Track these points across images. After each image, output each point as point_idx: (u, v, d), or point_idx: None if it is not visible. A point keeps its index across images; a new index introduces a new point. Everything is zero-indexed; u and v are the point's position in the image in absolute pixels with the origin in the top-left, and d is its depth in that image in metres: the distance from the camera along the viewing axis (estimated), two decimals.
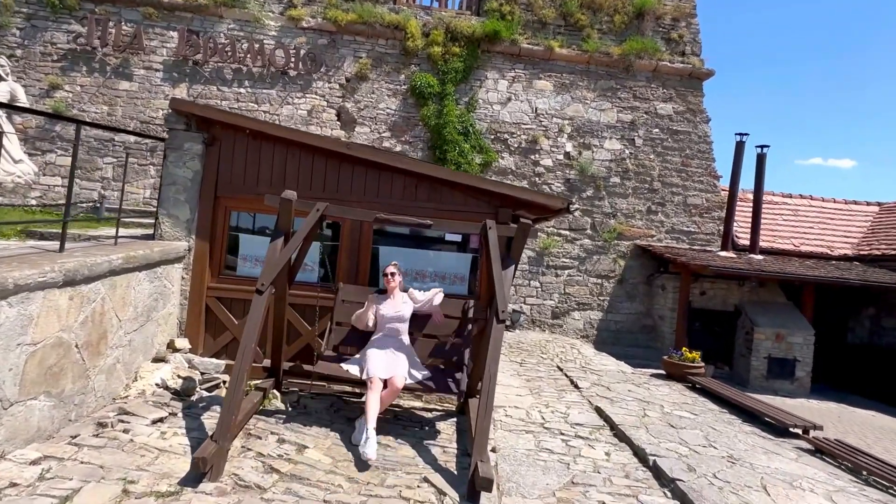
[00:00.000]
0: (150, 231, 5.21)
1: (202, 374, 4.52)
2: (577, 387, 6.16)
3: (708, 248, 10.87)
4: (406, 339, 4.29)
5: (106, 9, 10.78)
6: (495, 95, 11.19)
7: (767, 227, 11.21)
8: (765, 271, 9.31)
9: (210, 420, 3.76)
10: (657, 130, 11.33)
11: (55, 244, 4.26)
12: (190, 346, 4.85)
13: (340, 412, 4.37)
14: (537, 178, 10.92)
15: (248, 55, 10.72)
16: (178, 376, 4.32)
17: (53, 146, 10.56)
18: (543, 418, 4.83)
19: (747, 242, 10.86)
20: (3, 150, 8.19)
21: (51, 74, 10.57)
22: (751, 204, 10.93)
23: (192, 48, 10.66)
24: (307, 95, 10.93)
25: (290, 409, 4.36)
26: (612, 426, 4.71)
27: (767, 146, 10.65)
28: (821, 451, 4.77)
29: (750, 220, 10.78)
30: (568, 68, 11.38)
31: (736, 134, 10.74)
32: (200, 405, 4.08)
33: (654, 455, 3.93)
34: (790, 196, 12.64)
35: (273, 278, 3.59)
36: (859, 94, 47.93)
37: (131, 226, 7.01)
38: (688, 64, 11.53)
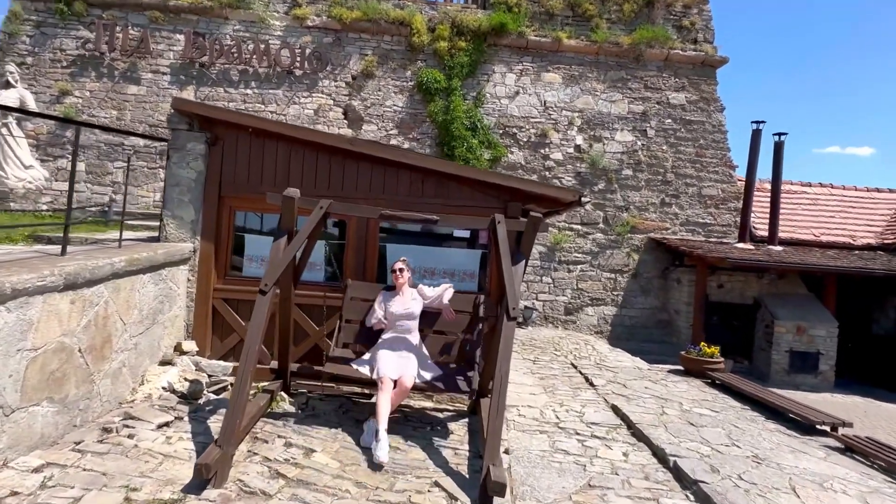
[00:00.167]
0: (158, 234, 5.17)
1: (209, 376, 4.47)
2: (592, 384, 6.00)
3: (724, 240, 10.59)
4: (416, 336, 4.19)
5: (113, 14, 10.82)
6: (503, 89, 11.02)
7: (786, 218, 10.90)
8: (785, 262, 9.03)
9: (217, 424, 3.69)
10: (670, 121, 11.07)
11: (60, 248, 4.23)
12: (197, 349, 4.80)
13: (349, 413, 4.28)
14: (547, 173, 10.74)
15: (254, 56, 10.69)
16: (185, 379, 4.27)
17: (65, 151, 10.64)
18: (558, 417, 4.69)
19: (765, 233, 10.56)
20: (14, 156, 8.27)
21: (60, 81, 10.65)
22: (768, 194, 10.64)
23: (199, 50, 10.67)
24: (313, 95, 10.87)
25: (298, 411, 4.28)
26: (630, 425, 4.56)
27: (785, 133, 10.36)
28: (851, 449, 4.56)
29: (768, 210, 10.49)
30: (577, 60, 11.17)
31: (752, 122, 10.47)
32: (207, 408, 4.01)
33: (674, 455, 3.77)
34: (809, 185, 12.28)
35: (276, 278, 3.50)
36: (878, 80, 46.70)
37: (140, 229, 7.00)
38: (700, 51, 11.24)
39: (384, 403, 3.56)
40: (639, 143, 10.96)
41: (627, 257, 10.67)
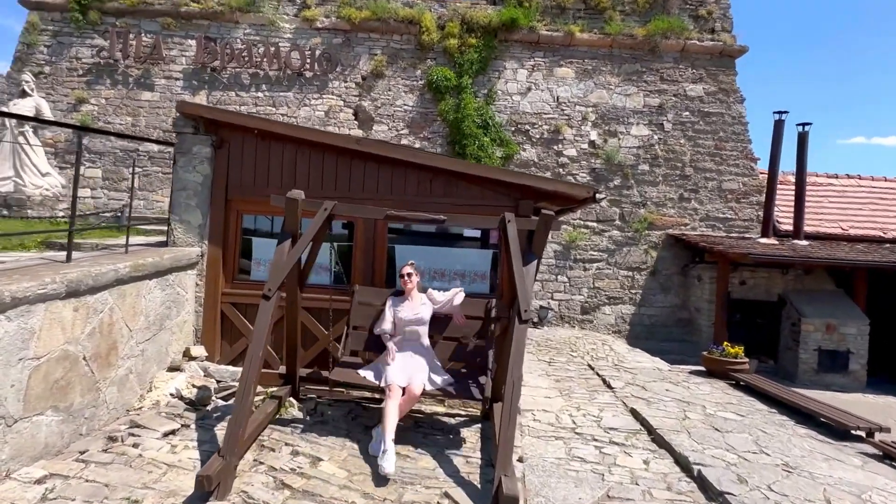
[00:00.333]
0: (166, 238, 5.14)
1: (218, 382, 4.41)
2: (610, 387, 5.81)
3: (747, 235, 10.25)
4: (426, 342, 4.07)
5: (126, 21, 10.95)
6: (515, 86, 10.84)
7: (812, 211, 10.49)
8: (811, 257, 8.67)
9: (223, 431, 3.61)
10: (687, 113, 10.75)
11: (73, 254, 4.22)
12: (206, 354, 4.75)
13: (358, 420, 4.18)
14: (561, 170, 10.52)
15: (265, 59, 10.71)
16: (193, 385, 4.22)
17: (83, 158, 10.78)
18: (574, 422, 4.52)
19: (790, 228, 10.18)
20: (31, 164, 8.39)
21: (77, 89, 10.82)
22: (793, 187, 10.25)
23: (210, 55, 10.72)
24: (324, 96, 10.84)
25: (306, 417, 4.19)
26: (650, 430, 4.36)
27: (809, 124, 9.96)
28: (890, 456, 4.28)
29: (792, 203, 10.10)
30: (590, 53, 10.93)
31: (774, 112, 10.08)
32: (215, 415, 3.95)
33: (698, 464, 3.58)
34: (836, 176, 11.82)
35: (280, 282, 3.41)
36: None
37: (152, 233, 7.02)
38: (718, 41, 10.90)
39: (391, 412, 3.43)
40: (655, 137, 10.67)
41: (645, 254, 10.40)
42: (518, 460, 3.60)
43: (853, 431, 4.65)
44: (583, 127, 10.71)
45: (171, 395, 4.09)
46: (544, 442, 4.02)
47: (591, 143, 10.64)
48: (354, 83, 10.82)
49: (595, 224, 10.49)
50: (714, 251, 8.89)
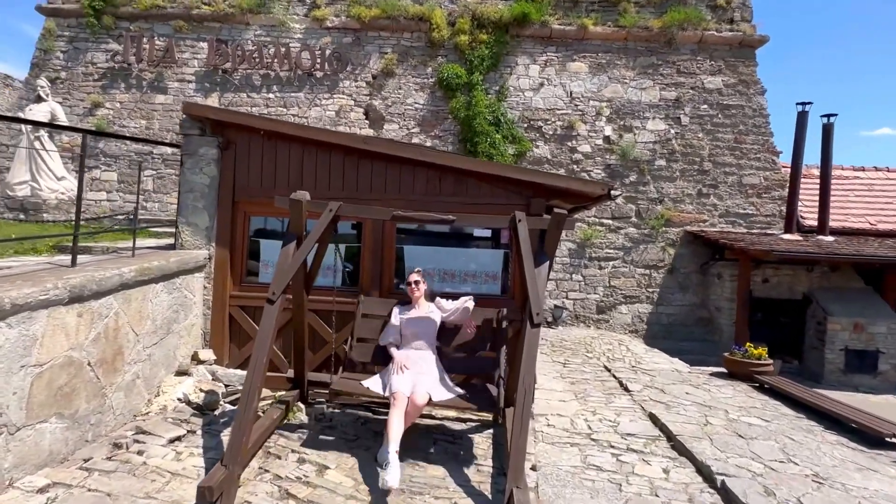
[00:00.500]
0: (174, 241, 5.12)
1: (226, 386, 4.36)
2: (627, 390, 5.63)
3: (769, 232, 9.92)
4: (433, 352, 3.88)
5: (139, 25, 11.05)
6: (527, 81, 10.66)
7: (837, 205, 10.11)
8: (838, 254, 8.34)
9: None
10: (705, 106, 10.45)
11: (80, 258, 4.20)
12: (215, 358, 4.71)
13: (367, 425, 4.09)
14: (575, 166, 10.32)
15: (275, 59, 10.71)
16: (201, 390, 4.17)
17: (98, 162, 10.94)
18: (590, 428, 4.36)
19: (814, 223, 9.83)
20: (47, 168, 8.50)
21: (93, 93, 10.95)
22: (817, 180, 9.89)
23: (221, 57, 10.76)
24: (334, 96, 10.80)
25: (314, 422, 4.11)
26: (670, 437, 4.19)
27: (835, 115, 9.58)
28: None
29: (817, 198, 9.75)
30: (604, 47, 10.69)
31: (797, 104, 9.72)
32: (222, 420, 3.90)
33: (721, 474, 3.40)
34: (863, 169, 11.39)
35: (285, 286, 3.33)
36: None
37: (163, 236, 7.04)
38: (737, 31, 10.56)
39: (395, 421, 3.26)
40: (672, 131, 10.40)
41: (662, 252, 10.14)
42: (531, 468, 3.48)
43: (888, 439, 4.40)
44: (597, 122, 10.48)
45: (179, 399, 4.04)
46: (559, 449, 3.88)
47: (606, 139, 10.41)
48: (365, 82, 10.76)
49: (610, 221, 10.27)
50: (735, 248, 8.61)
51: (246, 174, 4.79)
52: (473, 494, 3.08)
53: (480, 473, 3.39)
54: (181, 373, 4.36)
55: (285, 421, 4.00)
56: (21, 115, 8.73)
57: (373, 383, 3.69)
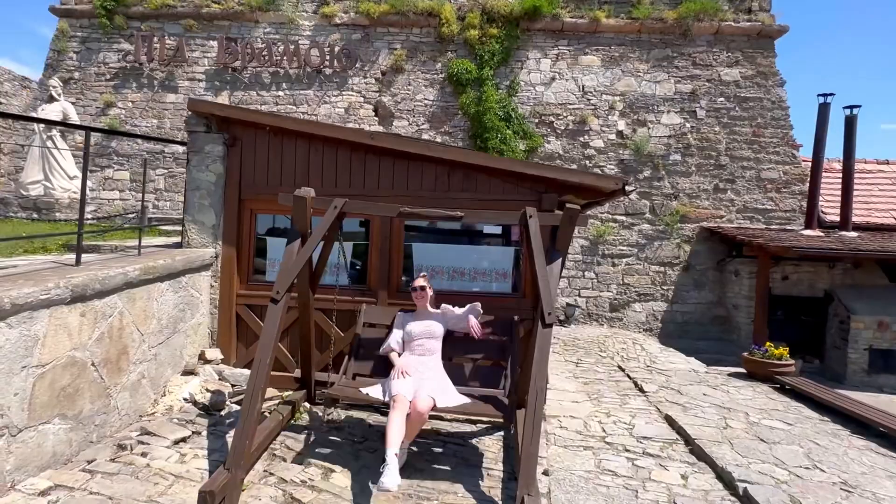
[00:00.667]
0: (181, 240, 5.08)
1: (233, 386, 4.31)
2: (642, 390, 5.47)
3: (788, 227, 9.64)
4: (438, 358, 3.66)
5: (150, 25, 11.10)
6: (538, 76, 10.48)
7: (860, 200, 9.79)
8: (861, 250, 8.06)
9: None
10: (722, 99, 10.18)
11: (86, 257, 4.18)
12: (222, 357, 4.67)
13: (375, 427, 4.00)
14: (587, 162, 10.13)
15: (284, 57, 10.68)
16: (207, 390, 4.12)
17: (111, 161, 11.02)
18: (604, 430, 4.23)
19: (836, 218, 9.52)
20: (59, 168, 8.56)
21: (105, 93, 11.03)
22: (839, 174, 9.58)
23: (231, 55, 10.76)
24: (344, 93, 10.74)
25: (321, 423, 4.04)
26: (688, 440, 4.04)
27: (858, 106, 9.25)
28: None
29: (839, 192, 9.44)
30: (617, 40, 10.47)
31: (818, 95, 9.39)
32: (228, 421, 3.84)
33: (743, 481, 3.25)
34: (886, 162, 11.01)
35: (290, 285, 3.25)
36: None
37: (173, 234, 7.03)
38: (756, 22, 10.26)
39: (395, 423, 3.05)
40: (688, 125, 10.15)
41: (678, 249, 9.91)
42: (543, 473, 3.36)
43: None
44: (610, 117, 10.27)
45: (185, 399, 4.00)
46: (572, 452, 3.75)
47: (619, 134, 10.20)
48: (374, 78, 10.68)
49: (624, 218, 10.07)
50: (753, 244, 8.37)
51: (252, 171, 4.73)
52: (483, 501, 2.98)
53: (491, 478, 3.28)
54: (188, 372, 4.32)
55: (292, 422, 3.94)
56: (34, 115, 8.80)
57: (373, 390, 3.51)
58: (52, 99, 8.65)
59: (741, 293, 9.24)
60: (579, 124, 10.24)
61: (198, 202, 4.73)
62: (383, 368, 3.76)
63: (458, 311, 3.82)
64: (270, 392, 4.43)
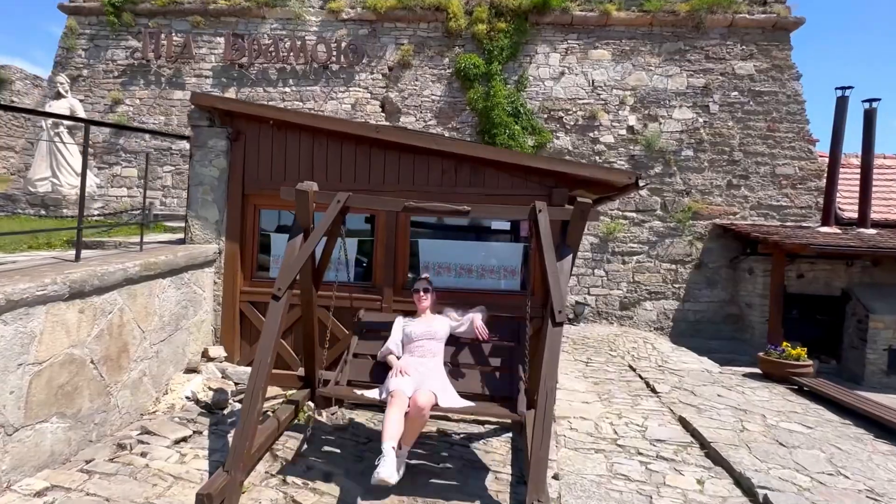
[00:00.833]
0: (184, 235, 5.02)
1: (236, 384, 4.23)
2: (654, 391, 5.33)
3: (804, 224, 9.42)
4: (440, 362, 3.43)
5: (158, 22, 11.09)
6: (547, 71, 10.32)
7: (880, 196, 9.54)
8: (881, 248, 7.83)
9: None
10: (736, 93, 9.96)
11: (88, 252, 4.13)
12: (225, 355, 4.60)
13: (379, 428, 3.89)
14: (597, 158, 9.96)
15: (291, 53, 10.62)
16: (209, 388, 4.05)
17: (119, 159, 11.03)
18: (616, 432, 4.10)
19: (854, 215, 9.28)
20: (66, 164, 8.55)
21: (113, 90, 11.03)
22: (857, 170, 9.33)
23: (238, 52, 10.72)
24: (350, 89, 10.66)
25: (326, 423, 3.95)
26: (703, 443, 3.90)
27: (877, 100, 8.98)
28: None
29: (857, 188, 9.19)
30: (627, 33, 10.27)
31: (836, 88, 9.15)
32: (230, 420, 3.77)
33: (763, 487, 3.11)
34: None
35: (291, 281, 3.16)
36: None
37: (179, 231, 6.99)
38: (771, 13, 10.02)
39: (393, 418, 2.87)
40: (700, 119, 9.94)
41: (690, 246, 9.72)
42: (553, 477, 3.25)
43: None
44: (620, 112, 10.09)
45: (187, 398, 3.93)
46: (582, 455, 3.63)
47: (630, 129, 10.01)
48: (381, 74, 10.58)
49: (634, 214, 9.89)
50: (768, 242, 8.16)
51: (256, 166, 4.65)
52: None
53: (499, 482, 3.17)
54: (191, 370, 4.26)
55: (295, 421, 3.85)
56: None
57: (369, 392, 3.36)
58: (59, 95, 8.64)
59: (755, 291, 9.03)
60: (589, 120, 10.07)
61: (201, 197, 4.66)
62: (380, 376, 3.55)
63: (462, 315, 3.65)
64: (275, 391, 4.36)
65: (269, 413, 3.93)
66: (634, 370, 6.26)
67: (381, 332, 3.71)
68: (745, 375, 6.25)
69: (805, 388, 5.60)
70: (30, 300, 2.72)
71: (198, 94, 4.63)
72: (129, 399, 3.58)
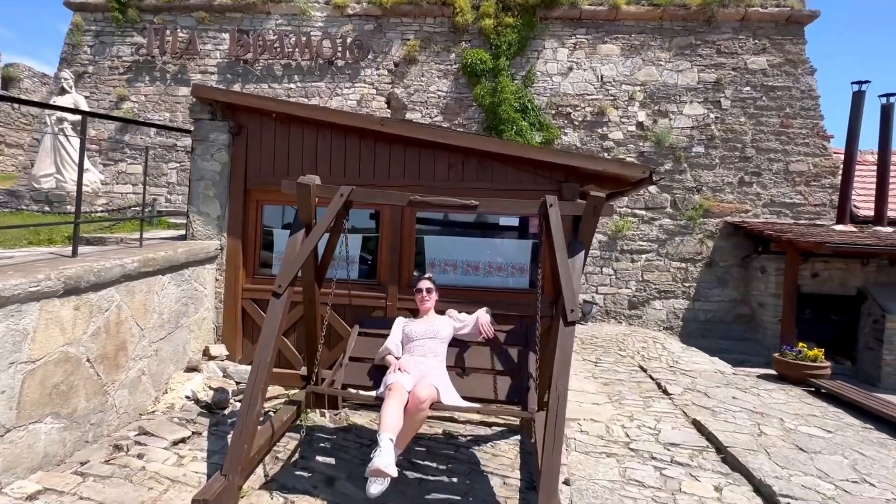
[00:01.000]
0: (185, 231, 4.93)
1: (237, 383, 4.14)
2: (666, 392, 5.19)
3: (818, 222, 9.20)
4: (442, 362, 3.24)
5: (163, 17, 11.02)
6: (555, 66, 10.16)
7: None
8: None
9: None
10: (748, 88, 9.75)
11: (88, 249, 4.05)
12: (227, 353, 4.50)
13: None
14: (606, 154, 9.79)
15: (296, 49, 10.52)
16: (210, 387, 3.96)
17: (124, 156, 10.99)
18: (628, 435, 3.97)
19: (869, 213, 9.07)
20: (70, 160, 8.51)
21: (118, 87, 10.99)
22: (874, 167, 9.12)
23: (243, 48, 10.63)
24: (356, 85, 10.54)
25: (329, 424, 3.85)
26: (719, 448, 3.76)
27: (895, 94, 8.75)
28: None
29: (873, 186, 8.97)
30: (637, 28, 10.09)
31: (853, 83, 8.93)
32: (230, 421, 3.67)
33: (786, 496, 2.97)
34: None
35: (293, 278, 3.05)
36: None
37: (182, 227, 6.91)
38: (784, 7, 9.80)
39: (390, 410, 2.65)
40: (711, 115, 9.74)
41: (700, 244, 9.53)
42: (564, 482, 3.12)
43: None
44: (629, 107, 9.91)
45: (187, 397, 3.84)
46: (594, 460, 3.50)
47: (639, 125, 9.84)
48: (387, 70, 10.46)
49: (644, 212, 9.71)
50: (782, 240, 7.97)
51: (258, 160, 4.55)
52: None
53: (507, 487, 3.05)
54: (191, 369, 4.16)
55: (297, 422, 3.74)
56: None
57: (365, 391, 3.20)
58: (63, 91, 8.60)
59: (767, 291, 8.84)
60: (597, 115, 9.90)
61: (202, 192, 4.56)
62: (379, 379, 3.31)
63: (465, 317, 3.47)
64: (277, 390, 4.27)
65: (270, 413, 3.83)
66: (645, 371, 6.11)
67: (380, 333, 3.53)
68: (759, 377, 6.08)
69: (822, 391, 5.43)
70: (22, 296, 2.63)
71: (199, 85, 4.54)
72: (127, 399, 3.49)
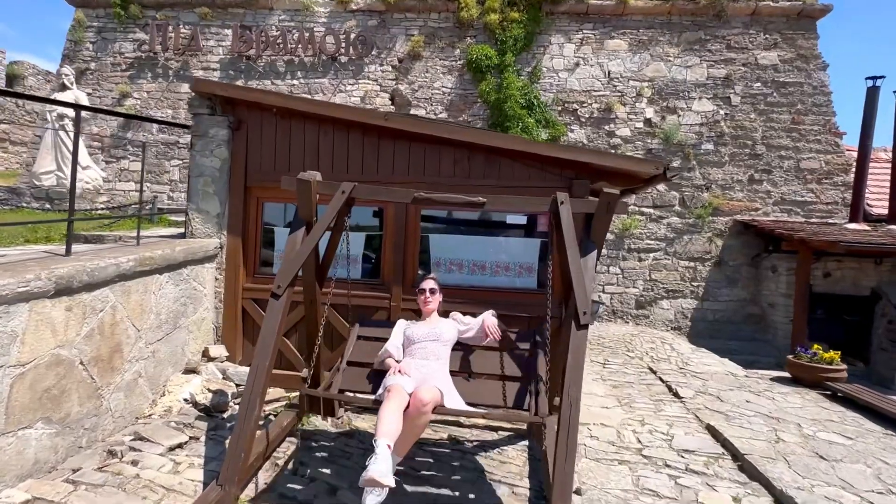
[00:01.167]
0: (185, 229, 4.83)
1: (237, 385, 4.03)
2: (677, 396, 5.04)
3: (830, 221, 9.01)
4: (445, 365, 3.05)
5: (165, 14, 10.93)
6: (561, 62, 10.00)
7: None
8: None
9: None
10: (759, 84, 9.56)
11: (84, 247, 3.95)
12: (227, 354, 4.40)
13: None
14: (613, 151, 9.62)
15: (299, 45, 10.41)
16: (209, 389, 3.85)
17: (126, 153, 10.91)
18: (640, 441, 3.83)
19: (883, 211, 8.88)
20: (71, 158, 8.43)
21: (121, 84, 10.91)
22: (887, 164, 8.93)
23: (246, 44, 10.53)
24: (359, 81, 10.42)
25: (331, 428, 3.74)
26: (736, 455, 3.61)
27: None
28: None
29: (888, 183, 8.78)
30: (645, 23, 9.91)
31: (867, 78, 8.73)
32: (229, 425, 3.56)
33: None
34: None
35: (293, 278, 2.93)
36: None
37: (183, 225, 6.82)
38: (796, 1, 9.59)
39: (388, 412, 2.49)
40: (721, 112, 9.56)
41: (709, 243, 9.36)
42: (575, 492, 2.99)
43: None
44: (637, 104, 9.74)
45: (185, 400, 3.73)
46: (605, 467, 3.37)
47: (647, 122, 9.66)
48: (391, 66, 10.33)
49: (651, 210, 9.55)
50: (794, 239, 7.80)
51: (258, 156, 4.43)
52: None
53: (516, 496, 2.93)
54: (190, 371, 4.05)
55: (299, 426, 3.63)
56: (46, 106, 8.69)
57: (363, 395, 3.06)
58: (64, 87, 8.51)
59: (778, 290, 8.66)
60: (605, 112, 9.74)
61: (201, 189, 4.45)
62: (378, 384, 3.12)
63: (470, 319, 3.31)
64: (278, 392, 4.15)
65: (270, 417, 3.73)
66: (654, 372, 5.97)
67: (380, 336, 3.39)
68: (772, 379, 5.92)
69: (839, 394, 5.27)
70: (10, 297, 2.52)
71: (198, 79, 4.42)
72: (123, 402, 3.38)
